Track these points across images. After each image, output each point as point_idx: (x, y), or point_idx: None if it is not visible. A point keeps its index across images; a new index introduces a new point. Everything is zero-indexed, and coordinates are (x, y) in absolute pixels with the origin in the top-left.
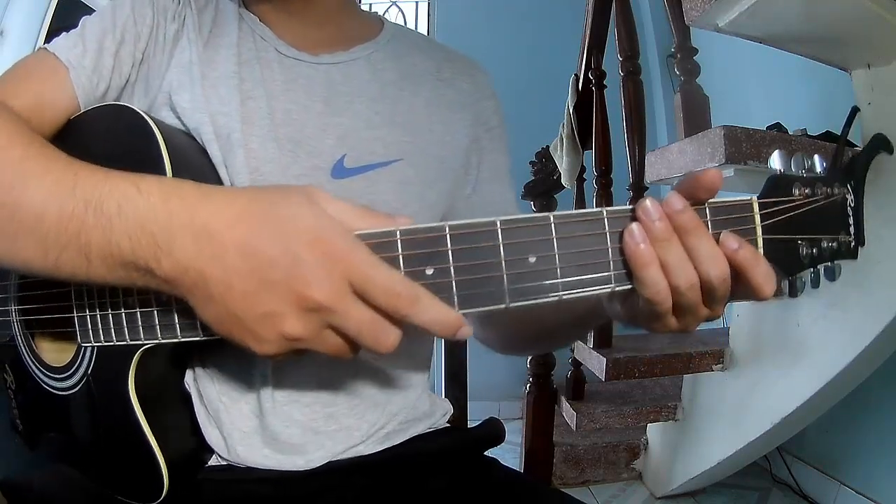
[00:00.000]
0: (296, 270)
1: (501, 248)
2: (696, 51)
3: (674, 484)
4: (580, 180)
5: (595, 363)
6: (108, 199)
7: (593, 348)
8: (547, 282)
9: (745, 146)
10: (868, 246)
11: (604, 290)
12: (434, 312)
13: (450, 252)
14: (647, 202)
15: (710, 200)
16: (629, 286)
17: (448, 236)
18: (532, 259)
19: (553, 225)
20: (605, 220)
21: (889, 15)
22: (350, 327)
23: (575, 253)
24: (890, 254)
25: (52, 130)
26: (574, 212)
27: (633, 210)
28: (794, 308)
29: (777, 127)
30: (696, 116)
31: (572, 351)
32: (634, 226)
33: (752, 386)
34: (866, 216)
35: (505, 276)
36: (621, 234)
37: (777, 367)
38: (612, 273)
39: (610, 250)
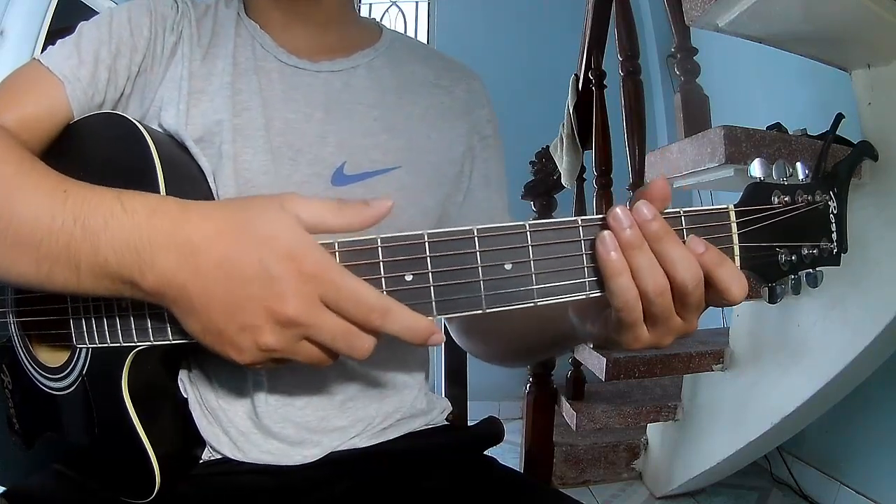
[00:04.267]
0: (270, 287)
1: (478, 255)
2: (696, 51)
3: (674, 484)
4: (580, 180)
5: (595, 363)
6: (95, 214)
7: (593, 348)
8: (522, 288)
9: (745, 146)
10: (869, 246)
11: (578, 297)
12: (405, 322)
13: (428, 259)
14: (618, 210)
15: (686, 209)
16: (602, 293)
17: (427, 243)
18: (508, 266)
19: (528, 233)
20: (580, 228)
21: (889, 15)
22: (324, 338)
23: (550, 260)
24: (890, 254)
25: (46, 141)
26: (549, 220)
27: (604, 218)
28: (794, 308)
29: (777, 127)
30: (696, 116)
31: (572, 351)
32: (606, 234)
33: (752, 386)
34: (867, 218)
35: (482, 282)
36: (594, 242)
37: (777, 367)
38: (586, 280)
39: (584, 257)
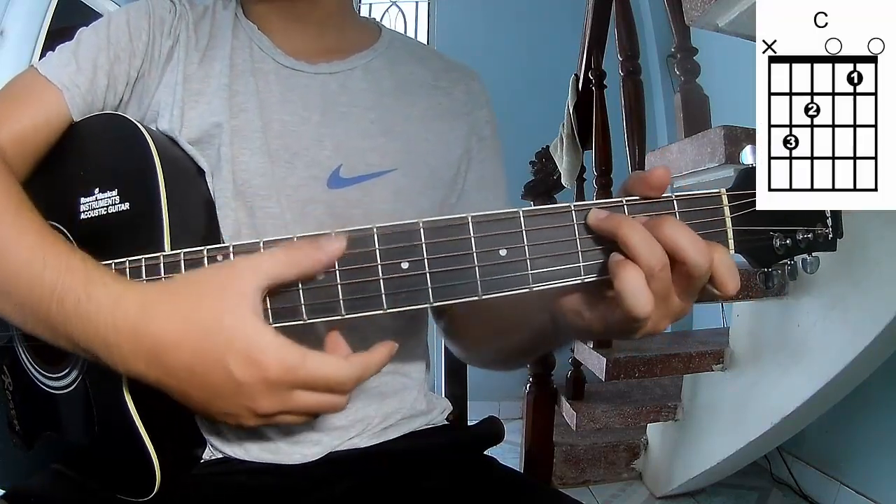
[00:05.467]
0: (241, 393)
1: (473, 241)
2: (696, 51)
3: (674, 484)
4: (580, 180)
5: (595, 363)
6: (68, 294)
7: (593, 348)
8: (518, 274)
9: (744, 146)
10: (869, 246)
11: (573, 282)
12: (376, 367)
13: (424, 246)
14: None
15: (678, 193)
16: (596, 277)
17: (422, 231)
18: (503, 252)
19: (522, 219)
20: (573, 213)
21: None
22: (300, 412)
23: (544, 245)
24: (890, 254)
25: (45, 150)
26: (543, 206)
27: (598, 204)
28: (794, 308)
29: None
30: (696, 116)
31: (572, 351)
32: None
33: (752, 386)
34: (868, 217)
35: (477, 268)
36: (587, 227)
37: (777, 367)
38: (580, 265)
39: (578, 242)
